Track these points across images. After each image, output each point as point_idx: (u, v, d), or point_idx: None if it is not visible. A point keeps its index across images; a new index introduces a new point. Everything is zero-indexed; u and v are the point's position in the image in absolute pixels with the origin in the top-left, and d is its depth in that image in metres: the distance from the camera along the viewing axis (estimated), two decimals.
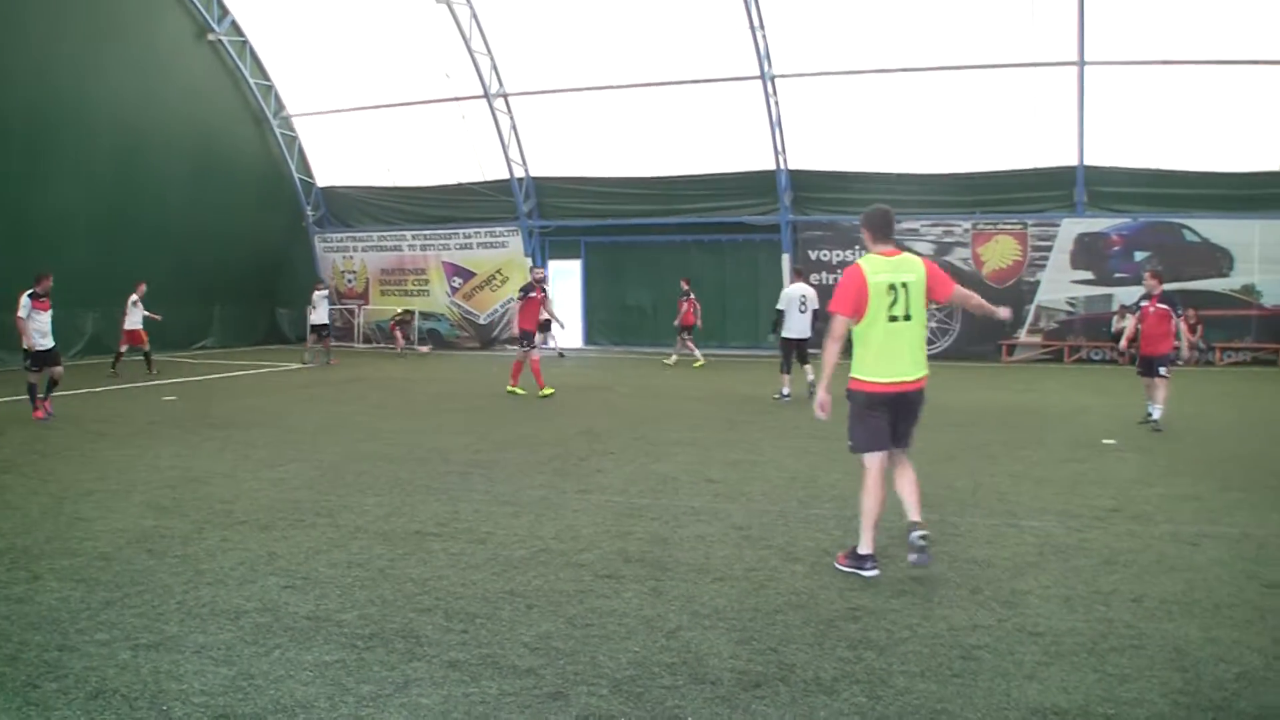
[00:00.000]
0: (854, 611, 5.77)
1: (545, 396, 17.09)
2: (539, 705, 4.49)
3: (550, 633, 5.43)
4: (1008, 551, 7.10)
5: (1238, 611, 5.74)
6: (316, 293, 26.50)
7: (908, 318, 6.55)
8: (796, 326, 17.05)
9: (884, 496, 6.67)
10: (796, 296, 17.13)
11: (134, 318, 21.63)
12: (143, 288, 21.80)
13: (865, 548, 6.68)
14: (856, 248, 26.23)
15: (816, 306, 16.93)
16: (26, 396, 14.44)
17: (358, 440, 12.44)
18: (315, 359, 25.73)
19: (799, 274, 19.02)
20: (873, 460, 6.71)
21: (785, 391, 16.99)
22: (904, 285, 6.54)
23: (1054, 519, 8.14)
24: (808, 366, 17.28)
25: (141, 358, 21.83)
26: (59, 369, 14.69)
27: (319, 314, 26.04)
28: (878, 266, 6.62)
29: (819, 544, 7.27)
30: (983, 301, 7.64)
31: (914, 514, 6.67)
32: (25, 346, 14.33)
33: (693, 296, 25.36)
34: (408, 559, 6.91)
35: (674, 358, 25.08)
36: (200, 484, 9.64)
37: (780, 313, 17.21)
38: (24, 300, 14.15)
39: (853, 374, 6.72)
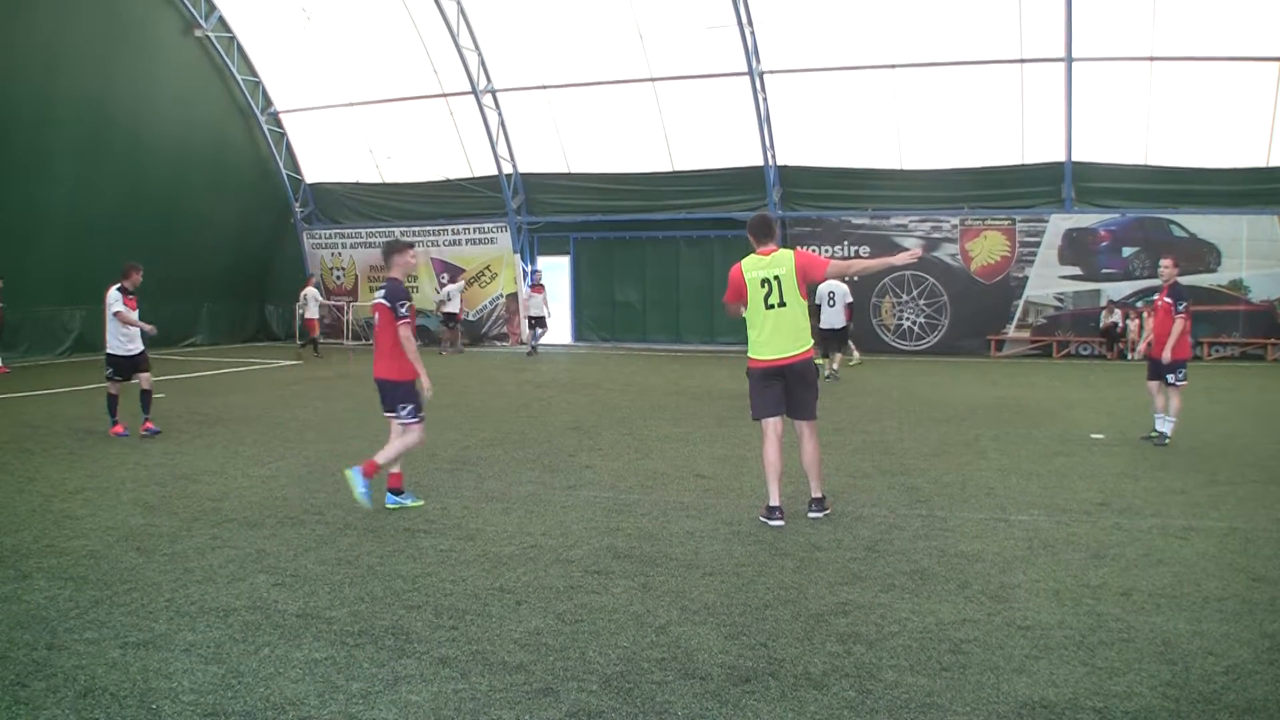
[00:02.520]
0: (843, 606, 5.78)
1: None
2: (529, 701, 4.49)
3: (540, 629, 5.43)
4: (996, 545, 7.12)
5: (1226, 605, 5.77)
6: (452, 285, 28.82)
7: (782, 304, 7.76)
8: (827, 319, 19.09)
9: (780, 455, 7.89)
10: (825, 292, 18.88)
11: None
12: None
13: (773, 500, 7.85)
14: (846, 243, 26.35)
15: (849, 300, 19.26)
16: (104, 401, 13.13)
17: (346, 437, 12.42)
18: (450, 348, 28.03)
19: None
20: (767, 425, 7.94)
21: (834, 367, 19.11)
22: (775, 279, 7.74)
23: (1042, 513, 8.17)
24: (836, 356, 19.25)
25: None
26: (147, 375, 12.91)
27: (452, 304, 28.29)
28: (753, 264, 7.90)
29: (808, 539, 7.28)
30: (868, 262, 9.47)
31: (814, 490, 8.10)
32: (111, 349, 12.77)
33: None
34: (397, 556, 6.90)
35: (856, 355, 22.68)
36: (189, 481, 9.62)
37: (816, 307, 18.28)
38: (114, 294, 12.64)
39: (748, 354, 8.01)
